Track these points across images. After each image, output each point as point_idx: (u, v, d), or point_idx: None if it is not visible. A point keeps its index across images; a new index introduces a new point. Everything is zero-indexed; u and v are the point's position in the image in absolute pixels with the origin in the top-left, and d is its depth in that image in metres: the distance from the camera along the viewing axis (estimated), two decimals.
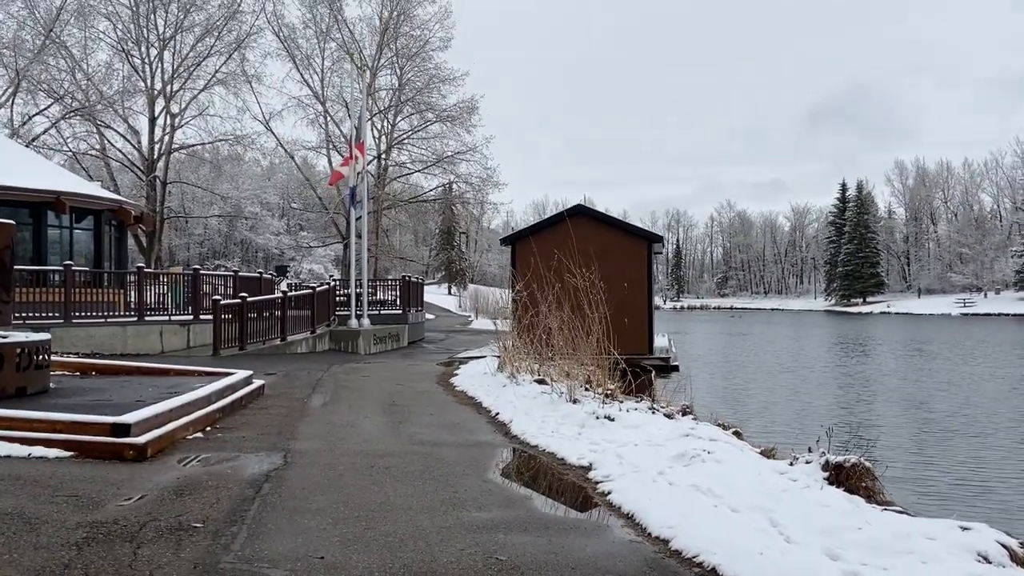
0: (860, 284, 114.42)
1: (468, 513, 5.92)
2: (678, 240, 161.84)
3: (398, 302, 29.94)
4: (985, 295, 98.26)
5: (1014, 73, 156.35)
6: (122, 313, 19.72)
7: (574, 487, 6.95)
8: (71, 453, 7.34)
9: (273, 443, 8.55)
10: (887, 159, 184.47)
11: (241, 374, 12.20)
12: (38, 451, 7.29)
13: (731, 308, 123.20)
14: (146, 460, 7.41)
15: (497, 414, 10.71)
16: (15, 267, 19.13)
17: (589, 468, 7.45)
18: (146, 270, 19.86)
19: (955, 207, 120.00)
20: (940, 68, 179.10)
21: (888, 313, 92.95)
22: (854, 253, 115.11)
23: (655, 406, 10.19)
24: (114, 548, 4.83)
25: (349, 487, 6.64)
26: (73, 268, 18.11)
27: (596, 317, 11.83)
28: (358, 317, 24.43)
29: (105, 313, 18.46)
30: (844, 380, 24.15)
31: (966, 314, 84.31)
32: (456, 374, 16.22)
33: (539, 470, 7.66)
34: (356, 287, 24.99)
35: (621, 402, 10.71)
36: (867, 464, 6.83)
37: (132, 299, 20.17)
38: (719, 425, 10.00)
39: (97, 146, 45.09)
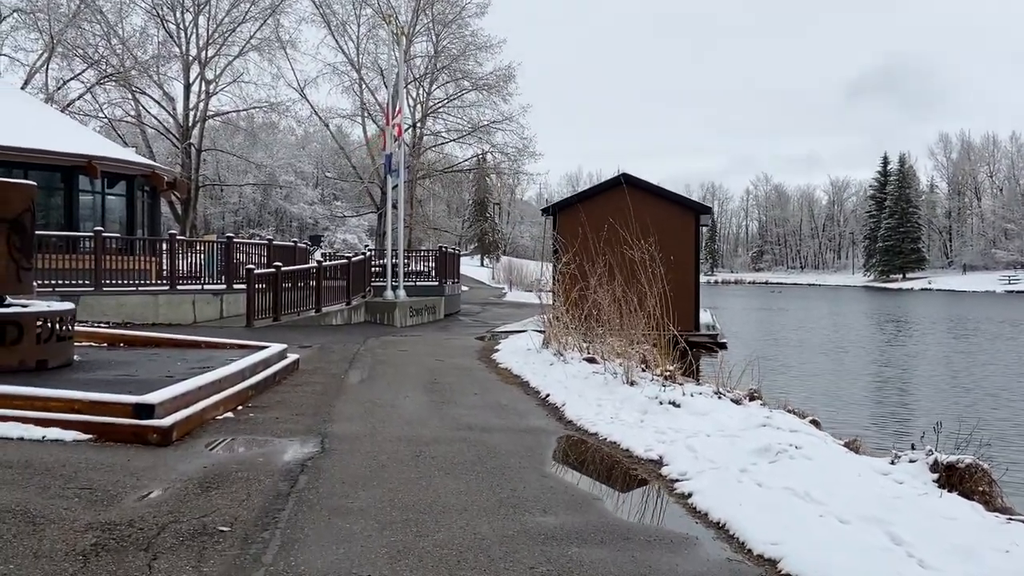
0: (900, 260, 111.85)
1: (532, 517, 5.16)
2: (713, 213, 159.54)
3: (433, 274, 29.24)
4: None
5: None
6: (154, 281, 19.18)
7: (647, 486, 6.17)
8: (90, 436, 6.69)
9: (309, 425, 7.86)
10: (929, 132, 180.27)
11: (275, 348, 11.55)
12: (54, 433, 6.65)
13: (766, 283, 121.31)
14: (171, 444, 6.75)
15: (547, 396, 9.94)
16: (45, 232, 18.73)
17: (660, 462, 6.66)
18: (179, 237, 19.26)
19: (1000, 182, 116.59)
20: (985, 39, 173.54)
21: (929, 290, 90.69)
22: (895, 228, 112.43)
23: (721, 390, 9.35)
24: (126, 559, 4.14)
25: (394, 481, 5.92)
26: (104, 234, 17.56)
27: (654, 291, 10.98)
28: (394, 288, 23.77)
29: (137, 281, 17.92)
30: (905, 361, 22.91)
31: (1011, 291, 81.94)
32: (497, 349, 15.48)
33: (604, 463, 6.88)
34: (392, 258, 24.30)
35: (681, 384, 9.89)
36: (984, 466, 5.97)
37: (165, 267, 19.63)
38: (790, 412, 9.15)
39: (132, 112, 44.71)
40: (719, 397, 9.15)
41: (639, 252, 11.14)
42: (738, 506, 5.24)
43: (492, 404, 9.53)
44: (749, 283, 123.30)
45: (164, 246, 19.96)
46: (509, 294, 53.59)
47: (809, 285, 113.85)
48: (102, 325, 16.29)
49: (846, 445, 7.73)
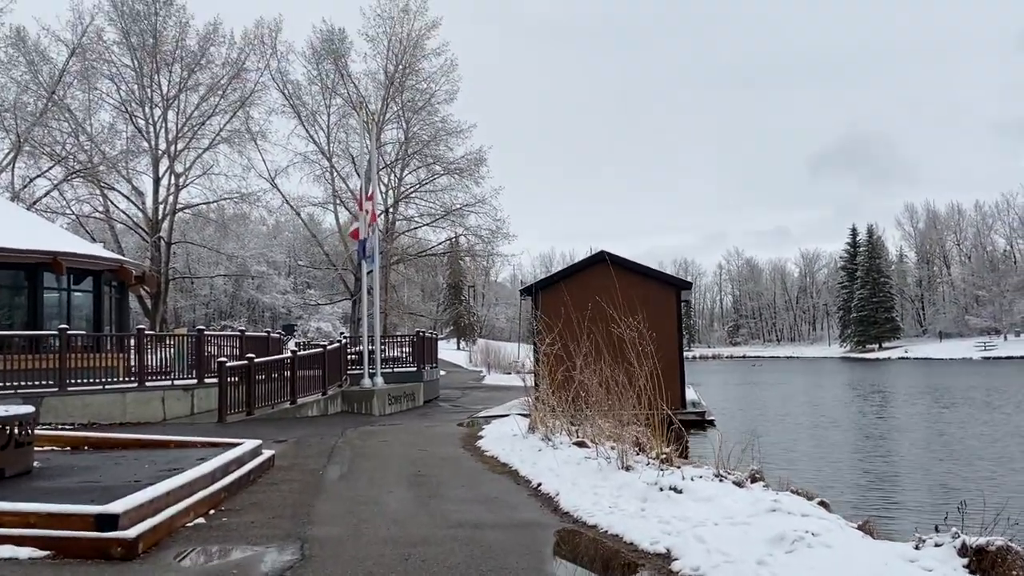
0: (875, 329, 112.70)
1: None
2: (692, 289, 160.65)
3: (411, 359, 28.72)
4: (1005, 337, 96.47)
5: (1017, 116, 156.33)
6: (123, 378, 18.49)
7: None
8: (47, 552, 6.11)
9: (287, 529, 7.30)
10: (892, 204, 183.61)
11: (248, 444, 10.98)
12: (6, 551, 6.07)
13: (744, 356, 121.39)
14: (137, 558, 6.18)
15: (539, 485, 9.44)
16: (6, 332, 18.11)
17: (669, 556, 6.18)
18: (147, 332, 18.68)
19: (968, 249, 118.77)
20: (942, 113, 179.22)
21: (907, 358, 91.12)
22: (868, 298, 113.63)
23: (722, 472, 8.90)
24: None
25: None
26: (69, 332, 16.97)
27: (644, 370, 10.61)
28: (371, 376, 23.22)
29: (103, 380, 17.24)
30: (900, 434, 22.39)
31: (988, 357, 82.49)
32: (482, 436, 14.96)
33: (608, 560, 6.38)
34: (368, 344, 23.80)
35: (678, 467, 9.44)
36: (1016, 548, 5.56)
37: (133, 363, 18.98)
38: (796, 493, 8.71)
39: (100, 208, 44.34)
40: (720, 480, 8.70)
41: (628, 329, 10.79)
42: None
43: (482, 497, 9.00)
44: (727, 357, 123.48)
45: (132, 342, 19.34)
46: (488, 377, 52.94)
47: (787, 358, 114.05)
48: (66, 427, 15.60)
49: (860, 528, 7.29)
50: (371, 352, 23.67)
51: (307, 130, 47.35)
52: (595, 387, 12.37)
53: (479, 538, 6.94)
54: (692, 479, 8.43)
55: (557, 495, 8.69)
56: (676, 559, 6.05)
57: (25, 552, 6.05)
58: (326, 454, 12.67)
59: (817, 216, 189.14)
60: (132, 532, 6.36)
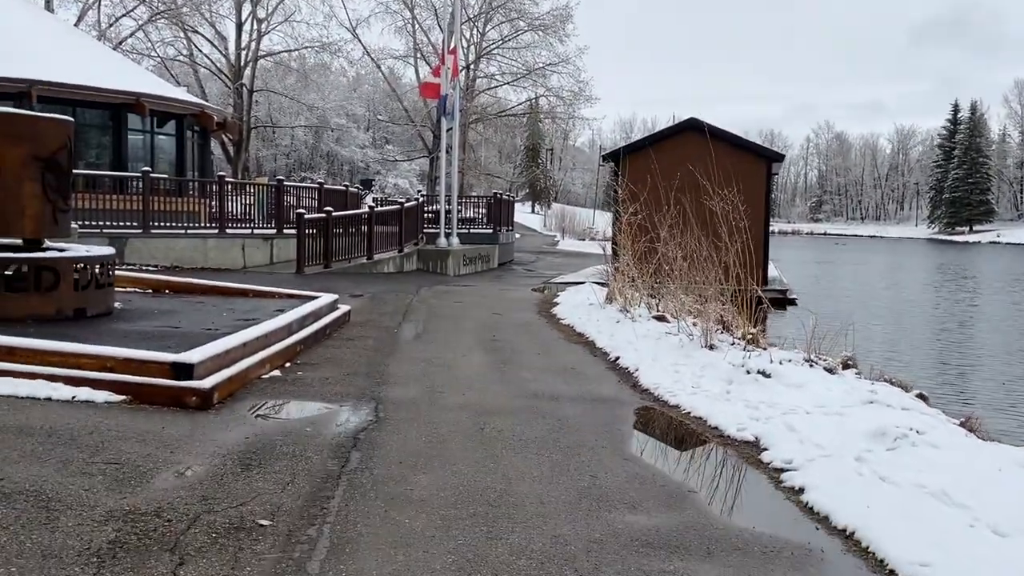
0: (967, 212, 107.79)
1: (620, 516, 4.41)
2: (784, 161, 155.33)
3: (486, 221, 28.46)
4: None
5: None
6: (204, 224, 18.67)
7: (748, 476, 5.36)
8: (123, 397, 6.09)
9: (361, 388, 7.20)
10: (998, 80, 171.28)
11: (326, 298, 10.92)
12: (84, 393, 6.06)
13: (824, 234, 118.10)
14: (212, 408, 6.12)
15: (617, 359, 9.14)
16: (92, 172, 18.35)
17: (757, 445, 5.85)
18: (229, 179, 18.71)
19: None
20: None
21: (998, 243, 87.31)
22: (963, 179, 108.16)
23: (812, 358, 8.45)
24: (147, 565, 3.48)
25: (458, 461, 5.21)
26: (152, 175, 17.06)
27: (736, 246, 10.07)
28: (447, 236, 23.06)
29: (186, 224, 17.44)
30: (1000, 323, 21.33)
31: None
32: (557, 303, 14.69)
33: (692, 444, 6.08)
34: (445, 204, 23.53)
35: (764, 349, 9.02)
36: None
37: (215, 209, 19.13)
38: (891, 383, 8.24)
39: (185, 52, 44.23)
40: (810, 365, 8.27)
41: (721, 202, 10.19)
42: (865, 509, 4.42)
43: (558, 367, 8.77)
44: (807, 234, 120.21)
45: (214, 188, 19.42)
46: (562, 242, 52.67)
47: (870, 237, 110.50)
48: (150, 269, 15.89)
49: (962, 426, 6.84)
50: (447, 212, 23.42)
51: None
52: (679, 260, 11.90)
53: (556, 411, 6.72)
54: (781, 363, 8.01)
55: (636, 370, 8.39)
56: (765, 448, 5.71)
57: (102, 396, 6.04)
58: (401, 312, 12.60)
59: (915, 90, 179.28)
60: (207, 383, 6.29)
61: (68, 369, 6.25)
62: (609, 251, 16.72)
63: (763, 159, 20.82)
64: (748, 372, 7.60)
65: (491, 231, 27.13)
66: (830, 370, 8.24)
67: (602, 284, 17.34)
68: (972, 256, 59.05)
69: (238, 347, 7.22)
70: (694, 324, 10.14)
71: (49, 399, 5.95)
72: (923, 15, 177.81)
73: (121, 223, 16.38)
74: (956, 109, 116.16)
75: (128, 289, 11.20)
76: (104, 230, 15.98)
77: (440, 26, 43.87)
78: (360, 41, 46.80)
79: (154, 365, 6.29)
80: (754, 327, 9.47)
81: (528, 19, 47.44)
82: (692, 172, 12.43)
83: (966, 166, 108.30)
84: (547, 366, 8.79)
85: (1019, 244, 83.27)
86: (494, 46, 48.89)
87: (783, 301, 20.04)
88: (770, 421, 6.25)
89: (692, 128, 20.44)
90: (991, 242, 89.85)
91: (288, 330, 8.75)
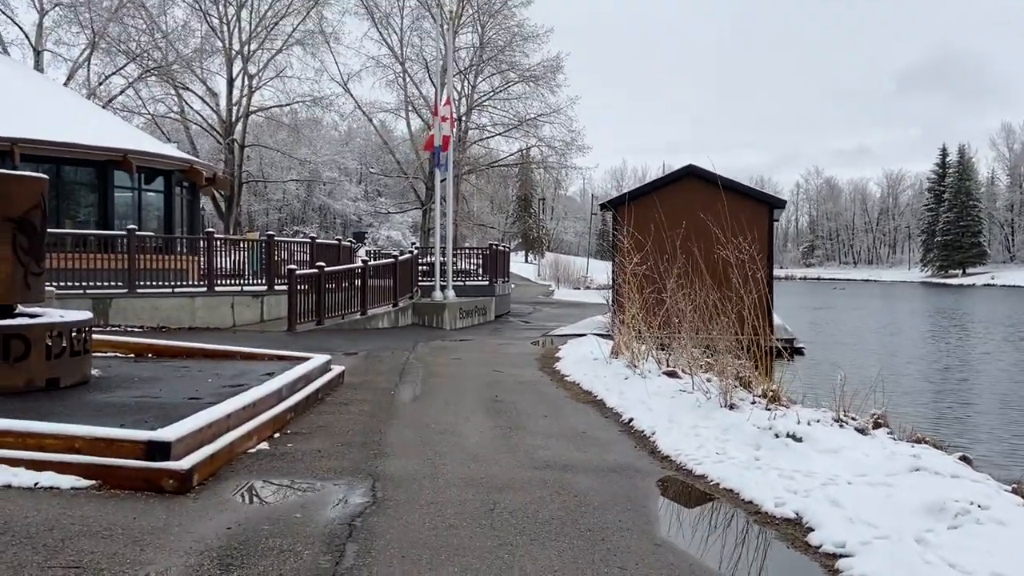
0: (960, 255, 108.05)
1: None
2: (786, 207, 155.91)
3: (481, 271, 28.00)
4: None
5: None
6: (193, 282, 18.08)
7: (798, 564, 4.74)
8: (92, 482, 5.46)
9: (356, 462, 6.58)
10: (983, 125, 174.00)
11: (318, 359, 10.34)
12: (48, 478, 5.44)
13: (818, 279, 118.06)
14: (191, 491, 5.51)
15: (631, 420, 8.55)
16: (75, 231, 17.79)
17: (800, 524, 5.24)
18: (217, 235, 18.20)
19: None
20: None
21: (993, 285, 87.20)
22: (954, 222, 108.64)
23: (842, 417, 7.87)
24: None
25: (468, 553, 4.59)
26: (138, 233, 16.54)
27: (753, 296, 9.58)
28: (443, 289, 22.54)
29: (173, 283, 16.87)
30: (1011, 371, 20.76)
31: None
32: (559, 357, 14.12)
33: (726, 523, 5.46)
34: (440, 256, 23.05)
35: (787, 407, 8.44)
36: None
37: (204, 267, 18.59)
38: (925, 442, 7.66)
39: (176, 108, 44.11)
40: (841, 426, 7.68)
41: (731, 251, 9.72)
42: None
43: (568, 431, 8.17)
44: (801, 279, 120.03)
45: (203, 244, 18.90)
46: (557, 292, 52.24)
47: (864, 281, 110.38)
48: (135, 330, 15.31)
49: (1015, 492, 6.23)
50: (442, 264, 22.94)
51: (380, 32, 46.10)
52: (687, 311, 11.41)
53: (571, 484, 6.10)
54: (809, 424, 7.42)
55: (653, 434, 7.80)
56: (811, 528, 5.10)
57: (68, 481, 5.42)
58: (397, 371, 12.00)
59: (901, 136, 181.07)
60: (186, 462, 5.68)
61: (31, 452, 5.63)
62: (610, 301, 16.21)
63: (765, 205, 20.42)
64: (777, 436, 7.01)
65: (487, 283, 26.62)
66: (862, 430, 7.65)
67: (604, 336, 16.82)
68: (970, 299, 58.73)
69: (222, 419, 6.61)
70: (708, 380, 9.58)
71: (8, 486, 5.34)
72: (907, 62, 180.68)
73: (105, 283, 15.80)
74: (944, 153, 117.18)
75: (109, 354, 10.61)
76: (88, 291, 15.42)
77: (431, 79, 43.99)
78: (351, 95, 46.83)
79: (126, 445, 5.67)
80: (773, 383, 8.89)
81: (519, 71, 47.63)
82: (694, 220, 12.05)
83: (957, 209, 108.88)
84: (556, 430, 8.18)
85: (1015, 286, 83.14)
86: (485, 98, 49.01)
87: (790, 350, 19.50)
88: (810, 495, 5.64)
89: (691, 175, 20.11)
90: (986, 284, 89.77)
91: (278, 396, 8.15)
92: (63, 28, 38.49)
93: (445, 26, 25.00)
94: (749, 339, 10.16)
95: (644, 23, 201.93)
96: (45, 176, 8.43)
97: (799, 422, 7.40)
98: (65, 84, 36.86)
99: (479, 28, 47.40)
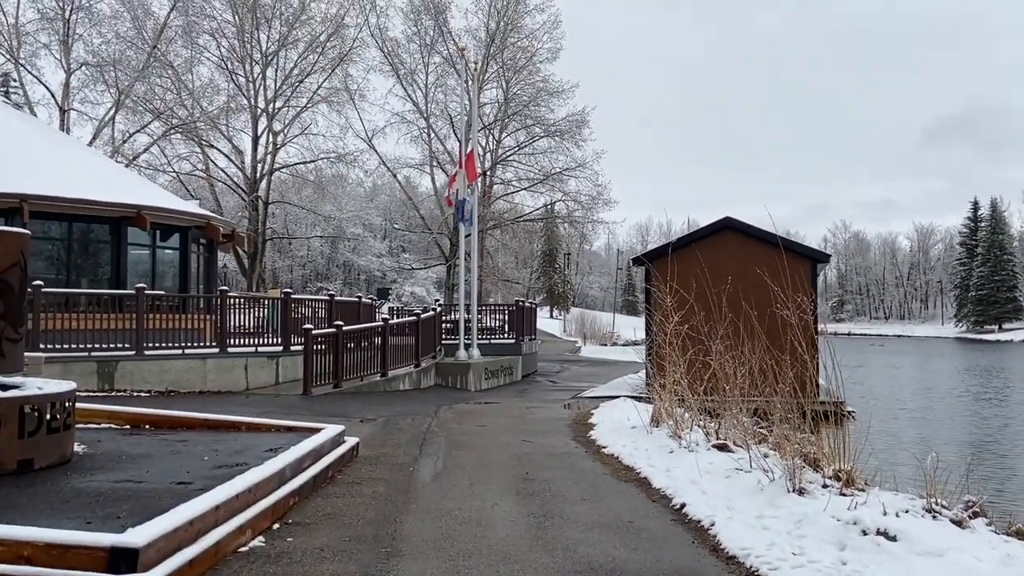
0: (995, 309, 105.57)
1: None
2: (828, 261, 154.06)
3: (506, 328, 27.02)
4: None
5: None
6: (207, 343, 17.22)
7: None
8: None
9: (365, 566, 5.56)
10: (1012, 176, 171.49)
11: (330, 431, 9.36)
12: None
13: (848, 334, 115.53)
14: None
15: (683, 506, 7.45)
16: (82, 290, 17.09)
17: None
18: (230, 293, 17.40)
19: None
20: None
21: None
22: (988, 276, 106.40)
23: (934, 507, 6.73)
24: None
25: None
26: (147, 291, 15.76)
27: (813, 361, 8.58)
28: (467, 347, 21.58)
29: (182, 343, 16.01)
30: None
31: None
32: (593, 423, 13.04)
33: None
34: (465, 313, 22.12)
35: (862, 490, 7.33)
36: None
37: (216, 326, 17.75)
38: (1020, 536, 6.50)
39: (201, 166, 44.01)
40: (933, 516, 6.54)
41: (795, 311, 8.73)
42: None
43: (612, 519, 7.08)
44: (832, 334, 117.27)
45: (215, 303, 18.10)
46: (584, 348, 51.09)
47: (897, 336, 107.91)
48: (141, 394, 14.45)
49: None
50: (467, 321, 22.00)
51: (405, 89, 46.01)
52: (737, 374, 10.42)
53: None
54: (898, 514, 6.30)
55: (712, 525, 6.70)
56: None
57: None
58: (418, 442, 10.97)
59: (928, 189, 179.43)
60: (158, 572, 4.68)
61: None
62: (643, 358, 15.16)
63: (807, 259, 19.36)
64: (864, 532, 5.89)
65: (513, 341, 25.63)
66: (958, 523, 6.51)
67: (640, 399, 15.75)
68: (1012, 356, 56.73)
69: (208, 512, 5.62)
70: (766, 456, 8.47)
71: None
72: (931, 114, 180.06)
73: (112, 344, 14.98)
74: (976, 206, 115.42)
75: (103, 425, 9.70)
76: (92, 353, 14.60)
77: (456, 134, 43.56)
78: (376, 151, 46.61)
79: (83, 552, 4.68)
80: (847, 463, 7.77)
81: (544, 125, 47.28)
82: (733, 275, 11.31)
83: (990, 264, 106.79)
84: (598, 518, 7.10)
85: None
86: (510, 153, 48.64)
87: (840, 415, 18.23)
88: None
89: (728, 228, 19.18)
90: None
91: (280, 478, 7.16)
92: (89, 87, 38.67)
93: (469, 81, 24.43)
94: (797, 403, 9.25)
95: (668, 73, 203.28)
96: (25, 231, 7.62)
97: (885, 513, 6.29)
98: (90, 143, 36.84)
99: (504, 84, 47.23)
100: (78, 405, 9.42)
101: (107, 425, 9.74)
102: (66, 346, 14.25)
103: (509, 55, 46.68)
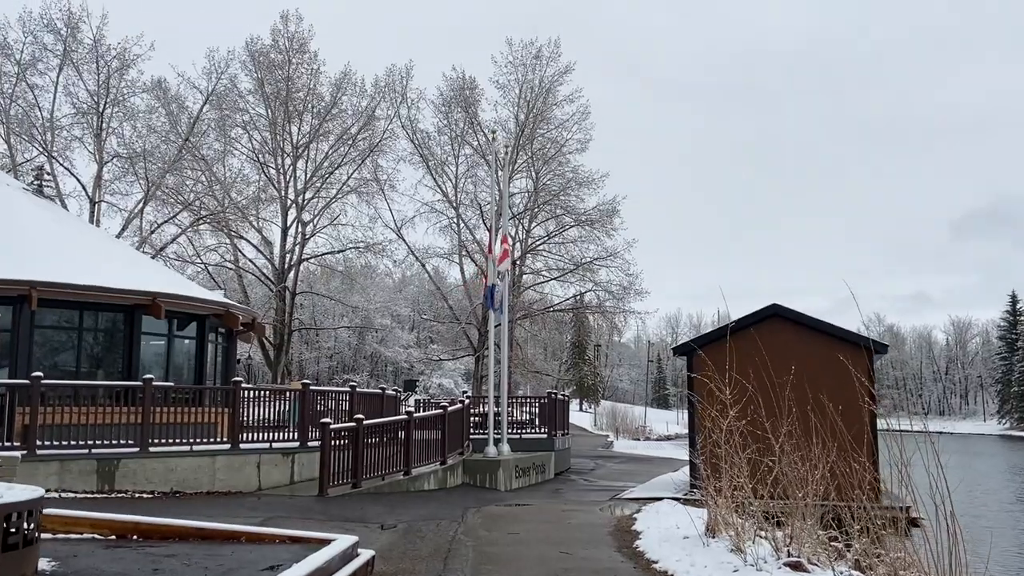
0: None
1: None
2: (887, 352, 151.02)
3: (536, 422, 25.68)
4: None
5: None
6: (221, 439, 16.04)
7: None
8: None
9: None
10: None
11: (341, 543, 8.11)
12: None
13: (886, 429, 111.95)
14: None
15: None
16: (86, 382, 16.14)
17: None
18: (244, 385, 16.37)
19: None
20: None
21: None
22: None
23: None
24: None
25: None
26: (155, 383, 14.76)
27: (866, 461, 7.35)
28: (496, 443, 20.28)
29: (191, 439, 14.90)
30: None
31: None
32: (637, 531, 11.69)
33: None
34: (494, 406, 20.88)
35: None
36: None
37: (242, 419, 16.61)
38: None
39: (229, 257, 43.74)
40: None
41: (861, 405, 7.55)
42: None
43: None
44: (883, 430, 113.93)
45: (226, 395, 17.05)
46: (616, 443, 49.33)
47: (938, 433, 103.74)
48: (144, 495, 13.31)
49: None
50: (496, 415, 20.74)
51: (435, 179, 45.85)
52: (806, 477, 9.23)
53: None
54: None
55: None
56: None
57: None
58: (441, 555, 9.68)
59: (962, 282, 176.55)
60: None
61: None
62: (680, 453, 13.82)
63: (863, 350, 18.01)
64: None
65: (545, 436, 24.26)
66: None
67: (686, 501, 14.40)
68: None
69: None
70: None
71: None
72: (961, 209, 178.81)
73: (114, 440, 13.91)
74: (1014, 300, 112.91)
75: (84, 535, 8.53)
76: (93, 450, 13.52)
77: (485, 224, 43.10)
78: (404, 241, 46.17)
79: None
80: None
81: (574, 215, 46.70)
82: (783, 365, 10.40)
83: None
84: None
85: None
86: (540, 242, 47.99)
87: (907, 521, 16.61)
88: None
89: (776, 315, 18.00)
90: None
91: None
92: (120, 180, 38.80)
93: (499, 171, 23.88)
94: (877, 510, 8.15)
95: (692, 167, 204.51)
96: None
97: None
98: (119, 234, 36.67)
99: (533, 174, 46.95)
100: (59, 512, 8.38)
101: (90, 535, 8.56)
102: (64, 443, 13.22)
103: (539, 145, 46.59)
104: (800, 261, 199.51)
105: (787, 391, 10.54)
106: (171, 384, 16.62)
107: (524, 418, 26.35)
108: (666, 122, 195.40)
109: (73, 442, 13.40)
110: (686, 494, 16.99)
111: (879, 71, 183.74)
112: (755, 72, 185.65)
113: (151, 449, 14.18)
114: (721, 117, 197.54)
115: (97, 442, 13.63)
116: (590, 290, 49.73)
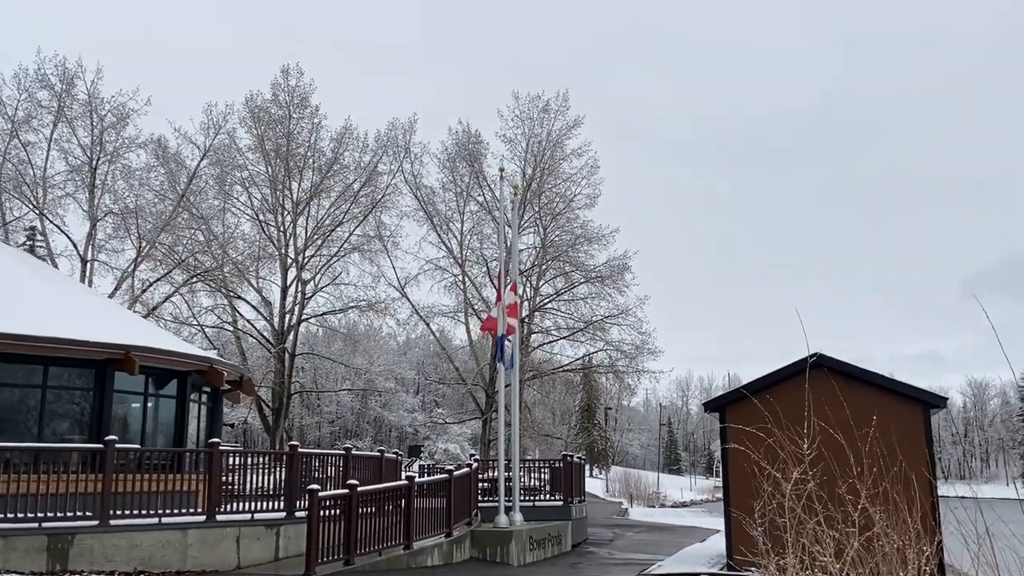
0: None
1: None
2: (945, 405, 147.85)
3: (549, 487, 23.70)
4: None
5: None
6: (197, 509, 14.23)
7: None
8: None
9: None
10: None
11: None
12: None
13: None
14: None
15: None
16: (45, 444, 14.35)
17: None
18: (222, 447, 14.55)
19: None
20: None
21: None
22: None
23: None
24: None
25: None
26: (117, 446, 12.99)
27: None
28: (508, 511, 18.32)
29: (160, 510, 13.08)
30: None
31: None
32: None
33: None
34: (505, 471, 18.97)
35: None
36: None
37: (229, 487, 14.79)
38: None
39: (225, 318, 42.13)
40: None
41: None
42: None
43: None
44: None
45: (209, 459, 15.24)
46: (631, 510, 47.02)
47: (960, 498, 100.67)
48: None
49: None
50: (507, 480, 18.83)
51: (440, 236, 44.42)
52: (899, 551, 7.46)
53: None
54: None
55: None
56: None
57: None
58: None
59: (975, 342, 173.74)
60: None
61: None
62: (708, 523, 11.92)
63: (918, 404, 16.25)
64: None
65: (561, 503, 22.27)
66: None
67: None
68: None
69: None
70: None
71: None
72: (972, 268, 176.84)
73: (69, 512, 12.10)
74: None
75: None
76: (43, 523, 11.72)
77: (492, 282, 41.59)
78: (408, 299, 44.55)
79: None
80: None
81: (583, 271, 45.13)
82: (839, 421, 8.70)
83: None
84: None
85: None
86: (548, 300, 46.31)
87: None
88: None
89: (818, 366, 16.19)
90: None
91: None
92: (113, 237, 37.48)
93: (510, 214, 22.42)
94: None
95: (696, 233, 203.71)
96: None
97: None
98: (112, 294, 35.21)
99: (541, 230, 45.51)
100: None
101: None
102: (9, 515, 11.42)
103: (546, 199, 45.27)
104: (809, 322, 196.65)
105: (865, 446, 8.77)
106: (136, 447, 14.82)
107: (536, 483, 24.39)
108: (669, 183, 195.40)
109: (20, 514, 11.59)
110: (722, 570, 15.06)
111: (879, 134, 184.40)
112: (765, 135, 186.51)
113: (112, 522, 12.35)
114: (720, 180, 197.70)
115: (49, 514, 11.82)
116: (601, 349, 47.89)
